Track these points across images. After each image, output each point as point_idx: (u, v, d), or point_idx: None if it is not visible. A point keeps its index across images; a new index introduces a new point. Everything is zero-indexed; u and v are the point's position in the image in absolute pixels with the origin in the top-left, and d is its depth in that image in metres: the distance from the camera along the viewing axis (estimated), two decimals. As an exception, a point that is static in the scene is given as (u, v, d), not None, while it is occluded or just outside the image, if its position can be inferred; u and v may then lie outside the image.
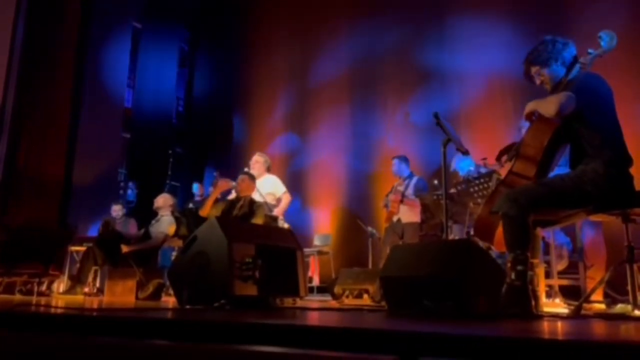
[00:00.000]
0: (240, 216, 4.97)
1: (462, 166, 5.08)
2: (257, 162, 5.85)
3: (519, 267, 2.40)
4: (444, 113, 3.37)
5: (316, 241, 7.86)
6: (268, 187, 5.73)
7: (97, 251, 5.40)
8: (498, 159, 2.96)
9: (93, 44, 8.27)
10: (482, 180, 4.33)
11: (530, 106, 2.72)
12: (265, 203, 5.39)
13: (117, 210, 7.15)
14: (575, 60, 2.77)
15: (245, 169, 5.78)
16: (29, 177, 7.19)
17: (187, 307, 2.96)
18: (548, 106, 2.58)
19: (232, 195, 5.48)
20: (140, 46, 9.86)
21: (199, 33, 11.09)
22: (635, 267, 2.63)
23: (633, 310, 2.54)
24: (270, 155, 7.00)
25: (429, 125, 3.47)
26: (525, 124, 2.95)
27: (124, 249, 5.20)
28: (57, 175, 7.53)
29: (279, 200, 5.75)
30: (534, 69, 2.82)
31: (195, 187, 7.73)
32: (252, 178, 5.27)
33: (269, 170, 5.95)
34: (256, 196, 5.42)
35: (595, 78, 2.69)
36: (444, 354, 1.21)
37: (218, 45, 10.44)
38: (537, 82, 2.83)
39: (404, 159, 5.99)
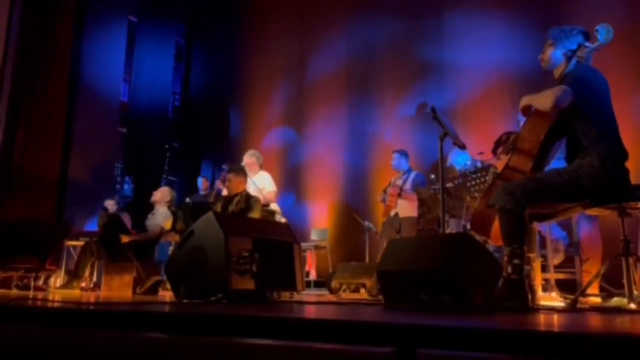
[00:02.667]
0: (237, 211, 4.97)
1: (459, 160, 5.09)
2: (250, 162, 5.87)
3: (516, 261, 2.41)
4: (440, 107, 3.37)
5: (313, 236, 7.86)
6: (261, 183, 5.74)
7: (95, 246, 5.40)
8: (494, 151, 2.96)
9: (89, 38, 8.22)
10: (478, 174, 4.34)
11: (524, 100, 2.73)
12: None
13: (110, 204, 7.14)
14: (573, 53, 2.77)
15: (242, 164, 5.79)
16: (24, 172, 7.16)
17: (185, 301, 2.96)
18: (544, 100, 2.58)
19: (225, 193, 5.49)
20: (136, 40, 9.81)
21: (195, 27, 11.03)
22: (631, 260, 2.64)
23: (628, 303, 2.56)
24: (266, 149, 7.00)
25: (425, 120, 3.48)
26: (523, 118, 2.95)
27: (124, 239, 5.21)
28: (53, 170, 7.50)
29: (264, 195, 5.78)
30: (546, 43, 2.82)
31: (200, 182, 7.69)
32: (239, 173, 5.25)
33: (261, 166, 5.98)
34: (251, 190, 5.43)
35: (591, 71, 2.70)
36: (441, 346, 1.21)
37: (214, 40, 10.39)
38: (541, 56, 2.84)
39: (404, 154, 6.01)
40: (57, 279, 6.11)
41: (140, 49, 9.87)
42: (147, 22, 9.98)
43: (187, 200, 7.05)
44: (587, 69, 2.71)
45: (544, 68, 2.81)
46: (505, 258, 2.45)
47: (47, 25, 7.59)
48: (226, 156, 9.04)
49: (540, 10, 6.51)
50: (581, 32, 2.78)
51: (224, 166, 6.01)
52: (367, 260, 6.49)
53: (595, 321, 1.82)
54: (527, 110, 2.75)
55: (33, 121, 7.35)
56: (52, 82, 7.61)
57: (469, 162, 4.94)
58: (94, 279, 5.88)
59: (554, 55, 2.78)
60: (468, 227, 4.19)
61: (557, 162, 2.90)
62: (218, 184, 6.65)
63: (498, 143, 2.97)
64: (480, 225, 2.83)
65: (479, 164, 4.82)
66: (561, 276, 4.37)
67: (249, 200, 5.07)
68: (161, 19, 10.13)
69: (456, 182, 4.56)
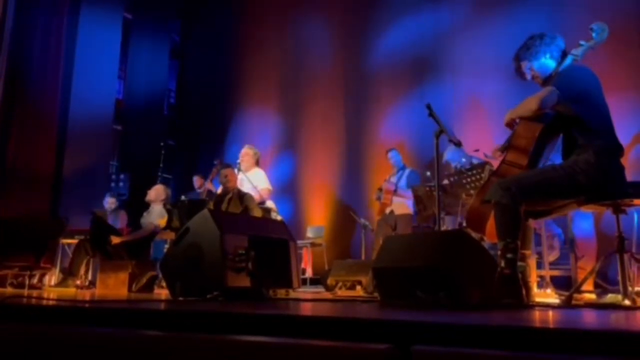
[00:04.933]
0: (231, 209, 4.97)
1: (454, 157, 5.10)
2: (246, 154, 5.84)
3: (509, 256, 2.42)
4: (436, 104, 3.37)
5: (309, 233, 7.86)
6: (258, 182, 5.73)
7: (89, 245, 5.39)
8: (502, 151, 2.95)
9: (83, 34, 8.18)
10: (474, 171, 4.35)
11: (508, 116, 2.76)
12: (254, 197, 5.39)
13: (110, 202, 7.12)
14: (564, 53, 2.79)
15: (238, 161, 5.78)
16: (19, 170, 7.12)
17: (180, 299, 2.96)
18: (530, 103, 2.61)
19: (220, 189, 5.48)
20: (131, 37, 9.77)
21: (190, 24, 11.00)
22: (625, 257, 2.65)
23: (623, 300, 2.56)
24: (263, 147, 6.98)
25: (421, 117, 3.48)
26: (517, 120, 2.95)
27: (114, 240, 5.20)
28: (47, 167, 7.47)
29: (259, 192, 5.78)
30: (523, 65, 2.86)
31: (195, 180, 7.64)
32: (234, 169, 5.26)
33: (257, 163, 5.95)
34: (246, 188, 5.42)
35: (579, 69, 2.71)
36: (437, 342, 1.22)
37: (210, 36, 10.36)
38: (528, 77, 2.87)
39: (398, 151, 6.04)
40: (52, 277, 6.09)
41: (135, 46, 9.83)
42: (142, 19, 9.93)
43: (183, 197, 7.03)
44: (575, 67, 2.73)
45: (541, 82, 2.82)
46: (499, 252, 2.46)
47: (41, 22, 7.55)
48: (222, 153, 9.03)
49: (536, 7, 6.52)
50: (555, 35, 2.81)
51: (215, 162, 6.00)
52: (363, 257, 6.50)
53: (590, 318, 1.83)
54: (512, 125, 2.77)
55: (27, 118, 7.31)
56: (46, 79, 7.57)
57: (464, 159, 4.95)
58: (89, 277, 5.86)
59: (540, 65, 2.80)
60: (463, 224, 4.20)
61: (556, 155, 2.91)
62: (207, 183, 6.63)
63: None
64: (475, 222, 2.83)
65: (474, 161, 4.83)
66: (556, 273, 4.39)
67: (242, 198, 5.05)
68: (156, 15, 10.09)
69: (452, 179, 4.57)
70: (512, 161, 2.77)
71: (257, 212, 4.91)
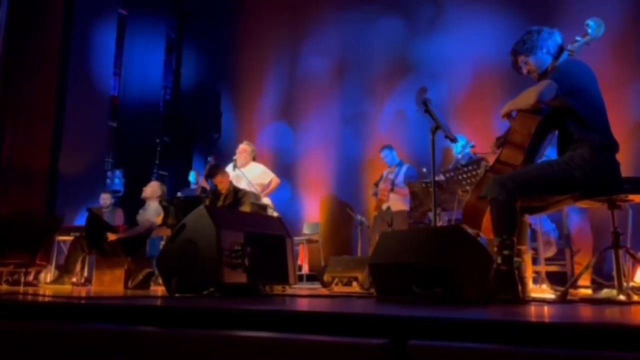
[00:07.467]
0: (227, 206, 4.97)
1: (456, 145, 5.07)
2: (244, 151, 5.87)
3: (506, 252, 2.43)
4: (432, 101, 3.37)
5: (305, 230, 7.87)
6: (255, 177, 5.73)
7: (85, 242, 5.37)
8: (498, 146, 2.94)
9: (78, 30, 8.13)
10: (470, 167, 4.35)
11: (506, 108, 2.76)
12: (253, 193, 5.39)
13: (105, 198, 7.12)
14: (561, 48, 2.79)
15: (235, 157, 5.78)
16: (14, 167, 7.10)
17: (177, 295, 2.95)
18: (527, 97, 2.61)
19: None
20: (126, 33, 9.71)
21: (186, 20, 10.96)
22: (620, 252, 2.66)
23: (618, 295, 2.58)
24: (259, 143, 6.97)
25: (418, 113, 3.48)
26: (514, 113, 2.96)
27: (110, 237, 5.18)
28: (43, 164, 7.45)
29: (267, 186, 5.80)
30: (520, 59, 2.85)
31: (192, 176, 7.58)
32: (223, 173, 5.26)
33: (254, 159, 5.97)
34: (244, 184, 5.41)
35: (576, 64, 2.71)
36: (433, 337, 1.22)
37: (206, 33, 10.32)
38: (524, 71, 2.87)
39: (392, 148, 6.03)
40: (48, 275, 6.07)
41: (130, 43, 9.77)
42: (138, 15, 9.88)
43: (179, 194, 7.01)
44: (572, 62, 2.73)
45: (537, 77, 2.82)
46: (496, 249, 2.46)
47: (35, 18, 7.51)
48: (218, 151, 9.01)
49: (532, 4, 6.52)
50: (553, 30, 2.81)
51: (209, 158, 6.01)
52: (359, 253, 6.51)
53: (585, 312, 1.84)
54: (509, 116, 2.78)
55: (22, 115, 7.28)
56: (41, 76, 7.54)
57: (467, 150, 4.92)
58: (85, 274, 5.85)
59: (537, 60, 2.80)
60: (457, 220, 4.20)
61: (552, 149, 2.91)
62: (202, 180, 6.62)
63: (501, 139, 2.96)
64: (471, 218, 2.84)
65: (471, 156, 4.83)
66: (552, 269, 4.40)
67: (237, 193, 5.05)
68: (151, 12, 10.04)
69: (448, 175, 4.57)
70: (506, 160, 2.77)
71: (247, 208, 4.92)
